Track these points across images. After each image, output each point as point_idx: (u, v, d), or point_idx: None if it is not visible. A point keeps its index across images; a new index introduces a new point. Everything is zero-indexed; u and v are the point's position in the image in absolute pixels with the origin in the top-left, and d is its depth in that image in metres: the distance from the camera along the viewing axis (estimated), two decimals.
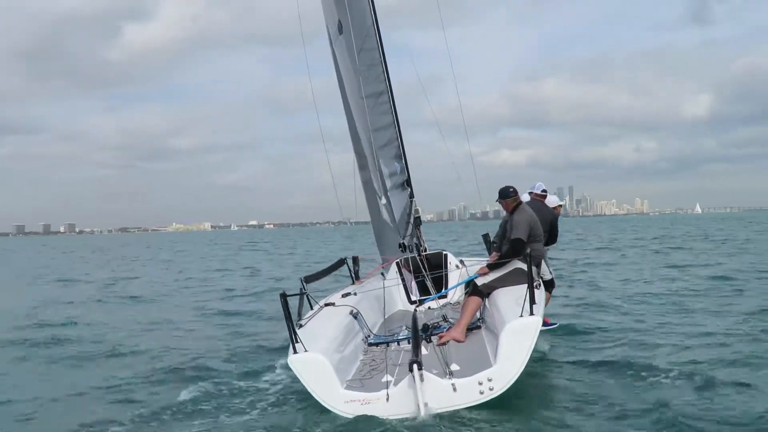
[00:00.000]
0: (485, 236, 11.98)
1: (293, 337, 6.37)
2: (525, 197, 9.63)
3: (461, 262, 10.94)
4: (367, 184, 11.89)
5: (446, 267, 10.87)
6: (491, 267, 8.08)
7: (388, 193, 10.73)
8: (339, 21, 10.50)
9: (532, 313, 6.38)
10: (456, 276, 10.62)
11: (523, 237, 7.85)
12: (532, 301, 6.46)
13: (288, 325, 6.44)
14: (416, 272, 10.74)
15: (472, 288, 7.99)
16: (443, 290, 10.45)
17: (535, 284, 7.85)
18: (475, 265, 10.18)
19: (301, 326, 7.13)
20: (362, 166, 11.77)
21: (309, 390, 6.27)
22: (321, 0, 10.99)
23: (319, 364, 6.26)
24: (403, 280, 10.86)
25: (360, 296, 8.99)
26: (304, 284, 7.93)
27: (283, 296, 6.59)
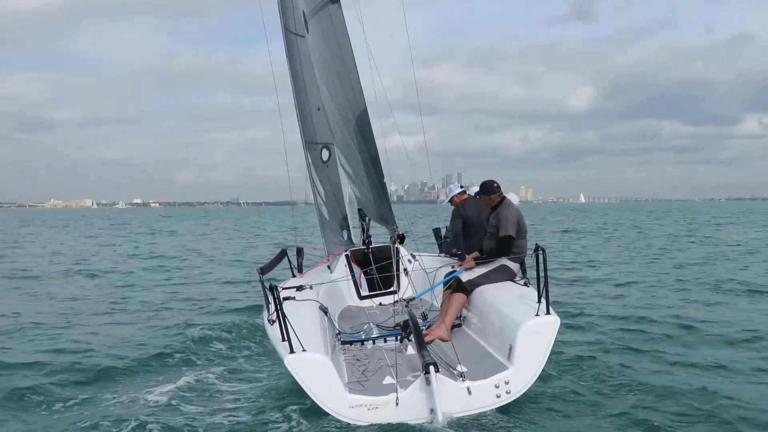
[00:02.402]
0: (436, 230, 11.82)
1: (288, 335, 5.93)
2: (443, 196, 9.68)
3: (412, 256, 10.72)
4: (318, 168, 11.58)
5: (397, 261, 10.60)
6: (477, 262, 7.92)
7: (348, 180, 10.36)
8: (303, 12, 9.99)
9: (548, 312, 6.26)
10: (408, 270, 10.40)
11: (513, 233, 7.74)
12: (548, 299, 6.34)
13: (280, 322, 6.00)
14: (364, 266, 10.48)
15: (456, 284, 7.81)
16: (398, 287, 10.22)
17: (522, 282, 7.79)
18: (427, 259, 10.02)
19: (273, 322, 6.65)
20: (311, 146, 11.46)
21: (310, 394, 5.83)
22: None
23: (321, 365, 5.85)
24: (352, 274, 10.55)
25: (316, 290, 8.63)
26: (262, 276, 7.43)
27: (273, 289, 6.16)
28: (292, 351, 5.85)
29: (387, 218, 10.33)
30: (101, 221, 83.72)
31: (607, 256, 23.78)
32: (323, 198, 11.96)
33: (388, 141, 10.71)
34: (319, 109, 12.00)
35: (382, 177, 9.82)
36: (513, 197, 10.03)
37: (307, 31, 9.69)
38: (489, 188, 8.10)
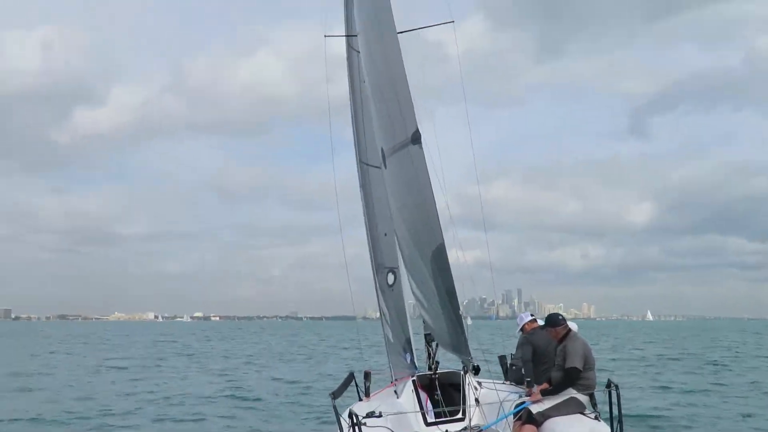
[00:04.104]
0: (501, 358, 11.86)
1: None
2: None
3: (479, 383, 10.73)
4: (384, 292, 11.91)
5: (464, 388, 10.62)
6: (544, 394, 8.03)
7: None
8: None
9: None
10: (476, 397, 10.39)
11: (579, 366, 7.89)
12: None
13: None
14: (431, 391, 10.53)
15: (526, 416, 7.89)
16: (464, 414, 10.19)
17: (593, 415, 7.83)
18: (492, 387, 10.03)
19: None
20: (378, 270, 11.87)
21: None
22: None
23: None
24: (419, 399, 10.61)
25: (385, 417, 8.77)
26: (334, 400, 7.68)
27: (353, 416, 6.36)
28: None
29: (461, 348, 10.42)
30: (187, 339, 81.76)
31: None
32: (388, 321, 12.21)
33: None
34: (386, 234, 12.50)
35: (458, 308, 9.99)
36: (573, 326, 10.24)
37: (385, 167, 10.26)
38: (554, 321, 8.39)
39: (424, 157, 9.52)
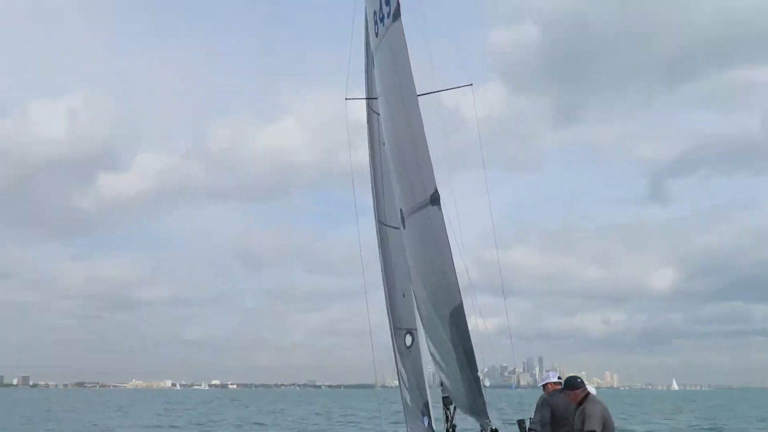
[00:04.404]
0: (520, 422, 11.69)
1: None
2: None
3: None
4: (402, 354, 11.80)
5: None
6: None
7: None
8: None
9: None
10: None
11: (598, 429, 7.83)
12: None
13: None
14: None
15: None
16: None
17: None
18: None
19: None
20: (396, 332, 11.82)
21: None
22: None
23: None
24: None
25: None
26: None
27: None
28: None
29: (479, 411, 10.28)
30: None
31: None
32: (406, 384, 12.09)
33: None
34: (404, 295, 12.48)
35: (476, 370, 9.89)
36: (591, 389, 10.13)
37: (404, 227, 10.32)
38: (573, 384, 8.38)
39: (442, 218, 9.57)
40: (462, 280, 9.71)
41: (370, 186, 12.89)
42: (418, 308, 10.66)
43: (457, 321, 9.72)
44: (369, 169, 12.95)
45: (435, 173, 9.75)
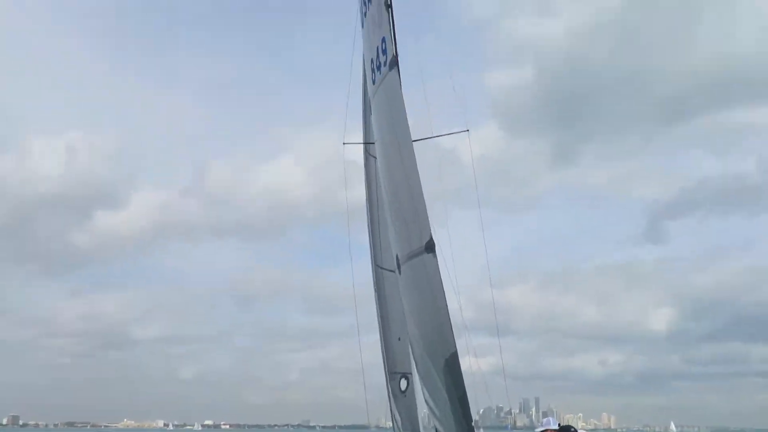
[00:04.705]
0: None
1: None
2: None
3: None
4: (396, 398, 11.79)
5: None
6: None
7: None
8: None
9: None
10: None
11: None
12: None
13: None
14: None
15: None
16: None
17: None
18: None
19: None
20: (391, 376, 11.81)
21: None
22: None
23: None
24: None
25: None
26: None
27: None
28: None
29: None
30: None
31: None
32: (400, 427, 12.09)
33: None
34: (400, 339, 12.50)
35: (470, 419, 9.85)
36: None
37: (400, 273, 10.39)
38: None
39: (438, 267, 9.63)
40: (457, 320, 9.79)
41: (366, 225, 13.04)
42: (413, 354, 10.68)
43: (451, 369, 9.71)
44: (366, 211, 13.10)
45: (433, 213, 9.88)
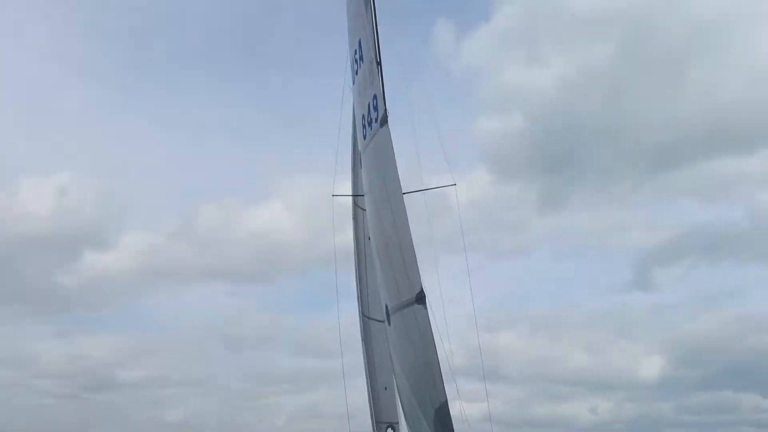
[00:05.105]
0: None
1: None
2: None
3: None
4: None
5: None
6: None
7: None
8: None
9: None
10: None
11: None
12: None
13: None
14: None
15: None
16: None
17: None
18: None
19: None
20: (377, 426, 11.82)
21: None
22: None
23: None
24: None
25: None
26: None
27: None
28: None
29: None
30: None
31: None
32: None
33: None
34: (386, 388, 12.54)
35: None
36: None
37: (389, 324, 10.48)
38: None
39: (428, 318, 9.73)
40: (446, 368, 9.88)
41: (354, 274, 13.19)
42: (401, 404, 10.71)
43: (442, 419, 9.76)
44: (354, 262, 13.26)
45: (422, 258, 10.03)
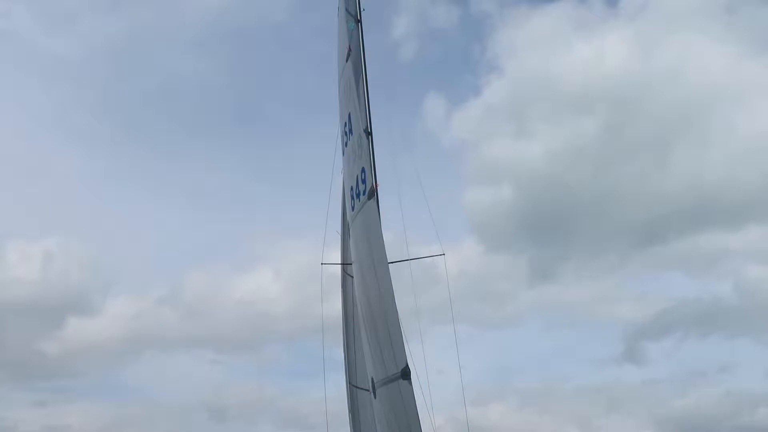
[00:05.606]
0: None
1: None
2: None
3: None
4: None
5: None
6: None
7: None
8: None
9: None
10: None
11: None
12: None
13: None
14: None
15: None
16: None
17: None
18: None
19: None
20: None
21: None
22: None
23: None
24: None
25: None
26: None
27: None
28: None
29: None
30: None
31: None
32: None
33: None
34: None
35: None
36: None
37: (375, 396, 10.43)
38: None
39: (413, 394, 9.67)
40: None
41: (342, 343, 13.19)
42: None
43: None
44: (342, 331, 13.29)
45: (409, 329, 10.06)
